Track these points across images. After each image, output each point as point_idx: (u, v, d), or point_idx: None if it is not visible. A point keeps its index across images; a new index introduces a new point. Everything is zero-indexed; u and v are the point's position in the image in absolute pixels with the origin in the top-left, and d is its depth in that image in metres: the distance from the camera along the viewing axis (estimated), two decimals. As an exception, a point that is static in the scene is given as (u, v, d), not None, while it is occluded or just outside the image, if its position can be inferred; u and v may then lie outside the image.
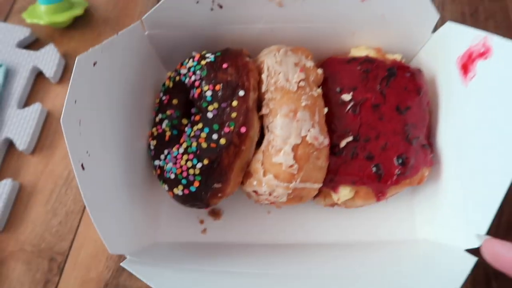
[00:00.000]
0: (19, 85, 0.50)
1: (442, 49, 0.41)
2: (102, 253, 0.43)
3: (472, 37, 0.36)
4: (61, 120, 0.30)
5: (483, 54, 0.34)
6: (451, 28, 0.39)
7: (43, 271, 0.43)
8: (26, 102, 0.51)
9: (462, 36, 0.37)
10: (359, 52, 0.44)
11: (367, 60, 0.40)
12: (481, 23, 0.52)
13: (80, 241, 0.44)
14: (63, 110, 0.31)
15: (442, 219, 0.39)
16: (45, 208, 0.45)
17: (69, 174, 0.47)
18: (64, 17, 0.52)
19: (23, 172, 0.47)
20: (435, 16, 0.40)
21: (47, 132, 0.49)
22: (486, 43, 0.34)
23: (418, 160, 0.38)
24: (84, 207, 0.45)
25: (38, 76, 0.52)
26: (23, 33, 0.53)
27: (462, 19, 0.52)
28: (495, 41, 0.33)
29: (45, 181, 0.47)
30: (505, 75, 0.32)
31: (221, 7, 0.40)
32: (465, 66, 0.36)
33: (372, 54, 0.42)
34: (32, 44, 0.54)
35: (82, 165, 0.33)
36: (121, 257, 0.43)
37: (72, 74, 0.32)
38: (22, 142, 0.47)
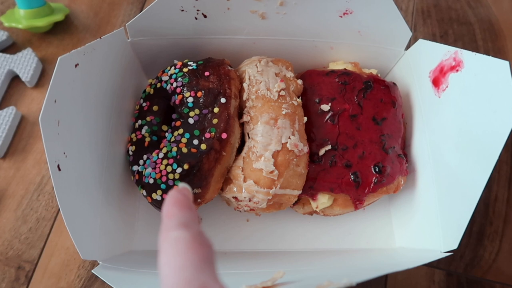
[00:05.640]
0: (-7, 88, 0.49)
1: (414, 65, 0.43)
2: (74, 262, 0.42)
3: (443, 53, 0.38)
4: (39, 118, 0.30)
5: (454, 67, 0.36)
6: (423, 44, 0.41)
7: (10, 280, 0.41)
8: (0, 105, 0.49)
9: (433, 52, 0.40)
10: (337, 66, 0.45)
11: (345, 73, 0.42)
12: (450, 44, 0.55)
13: (51, 249, 0.42)
14: (42, 109, 0.30)
15: (418, 227, 0.40)
16: (15, 214, 0.44)
17: (42, 180, 0.45)
18: (43, 22, 0.51)
19: (-7, 177, 0.45)
20: (408, 34, 0.43)
21: (20, 136, 0.48)
22: (457, 57, 0.36)
23: (394, 168, 0.39)
24: (57, 214, 0.44)
25: (14, 80, 0.51)
26: (-1, 36, 0.52)
27: (433, 40, 0.55)
28: (466, 55, 0.36)
29: (16, 186, 0.45)
30: (477, 84, 0.34)
31: (205, 16, 0.41)
32: (437, 79, 0.38)
33: (349, 68, 0.44)
34: (9, 48, 0.53)
35: (58, 166, 0.32)
36: (94, 266, 0.42)
37: (53, 74, 0.32)
38: (-7, 146, 0.46)
